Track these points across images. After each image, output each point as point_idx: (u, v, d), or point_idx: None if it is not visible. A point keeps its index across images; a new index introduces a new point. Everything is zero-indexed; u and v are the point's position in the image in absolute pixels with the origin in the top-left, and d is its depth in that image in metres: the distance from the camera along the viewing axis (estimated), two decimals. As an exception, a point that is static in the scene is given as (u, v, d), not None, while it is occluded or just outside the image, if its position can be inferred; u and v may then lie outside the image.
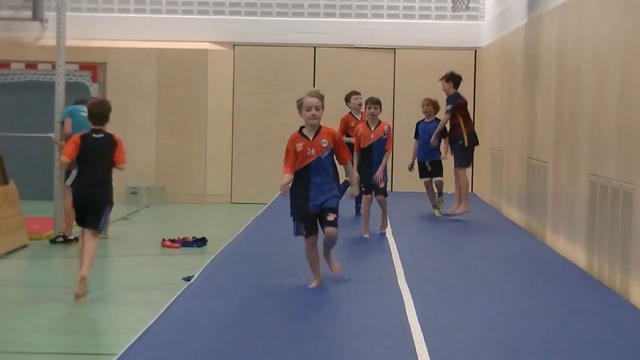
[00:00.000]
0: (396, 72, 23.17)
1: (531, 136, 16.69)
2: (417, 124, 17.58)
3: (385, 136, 14.43)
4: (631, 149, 10.59)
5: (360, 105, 16.64)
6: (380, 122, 14.58)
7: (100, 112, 11.69)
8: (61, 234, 15.65)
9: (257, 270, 11.71)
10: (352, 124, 16.39)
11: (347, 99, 17.07)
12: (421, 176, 17.45)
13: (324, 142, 10.17)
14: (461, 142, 16.92)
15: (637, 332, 8.77)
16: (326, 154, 10.23)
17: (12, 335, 9.71)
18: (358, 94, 16.97)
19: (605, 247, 11.52)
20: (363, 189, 14.25)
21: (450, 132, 17.11)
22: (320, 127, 10.28)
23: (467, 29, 23.31)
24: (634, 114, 10.53)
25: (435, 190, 17.46)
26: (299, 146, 10.17)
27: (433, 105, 17.40)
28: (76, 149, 11.39)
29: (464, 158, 17.12)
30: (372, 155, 14.40)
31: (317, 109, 10.16)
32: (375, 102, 14.55)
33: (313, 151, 10.15)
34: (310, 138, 10.20)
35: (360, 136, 14.43)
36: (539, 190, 15.80)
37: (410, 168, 17.29)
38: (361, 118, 16.32)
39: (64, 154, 11.64)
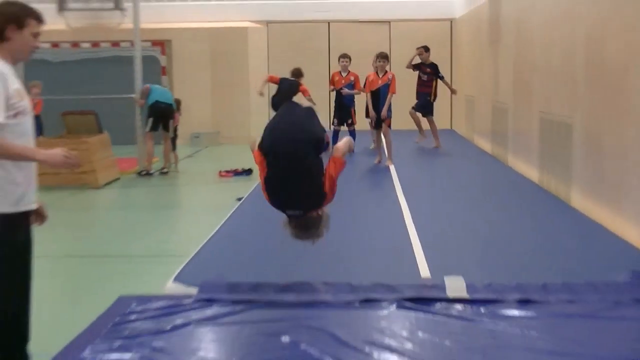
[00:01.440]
0: (391, 40, 23.10)
1: (496, 85, 16.69)
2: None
3: (390, 82, 14.44)
4: (571, 92, 10.64)
5: (345, 66, 16.45)
6: (386, 71, 14.58)
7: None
8: (144, 170, 15.81)
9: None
10: (337, 78, 16.50)
11: (338, 60, 17.00)
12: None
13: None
14: (429, 98, 17.47)
15: (576, 226, 8.87)
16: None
17: (107, 244, 9.87)
18: (344, 57, 16.61)
19: (552, 166, 11.60)
20: (373, 124, 14.51)
21: (423, 88, 17.32)
22: None
23: (444, 3, 23.20)
24: (572, 67, 10.58)
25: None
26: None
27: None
28: None
29: (431, 109, 17.61)
30: (379, 97, 14.41)
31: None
32: (383, 57, 14.53)
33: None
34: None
35: (371, 82, 14.48)
36: (502, 126, 15.84)
37: None
38: (347, 74, 16.33)
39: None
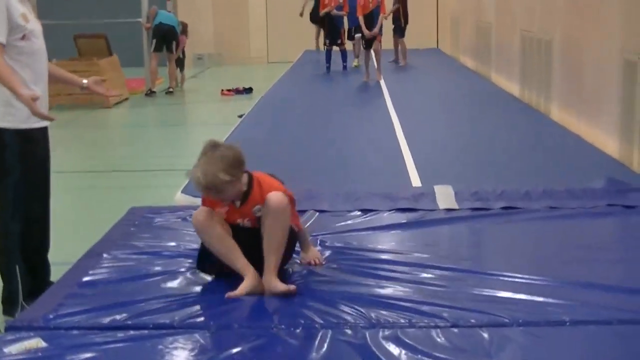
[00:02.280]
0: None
1: (479, 5, 16.46)
2: None
3: (380, 3, 14.41)
4: (551, 7, 10.48)
5: None
6: None
7: None
8: (148, 89, 15.65)
9: (290, 105, 11.77)
10: (326, 1, 16.31)
11: None
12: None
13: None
14: (399, 22, 17.69)
15: (555, 137, 8.83)
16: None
17: (118, 159, 9.83)
18: None
19: (533, 81, 11.50)
20: (364, 45, 14.46)
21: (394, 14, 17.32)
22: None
23: None
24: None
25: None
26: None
27: None
28: None
29: (401, 31, 17.78)
30: (372, 19, 14.35)
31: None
32: None
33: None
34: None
35: (362, 6, 14.34)
36: (485, 44, 15.67)
37: None
38: None
39: None
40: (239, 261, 4.22)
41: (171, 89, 15.82)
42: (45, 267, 4.94)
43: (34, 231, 4.83)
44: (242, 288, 4.14)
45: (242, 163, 4.21)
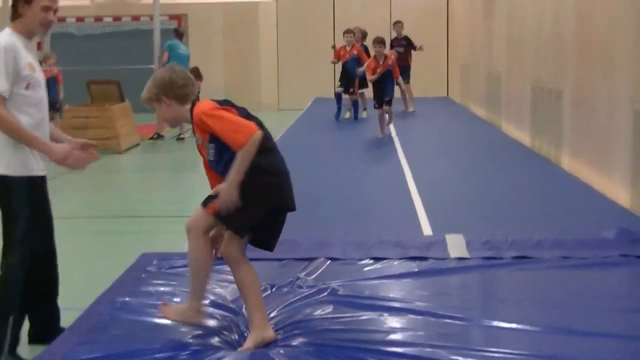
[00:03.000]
0: (392, 13, 22.89)
1: (489, 54, 16.57)
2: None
3: (392, 67, 13.63)
4: (561, 61, 10.55)
5: (350, 41, 16.18)
6: (386, 56, 13.73)
7: None
8: (156, 133, 15.70)
9: (300, 152, 11.82)
10: (342, 52, 16.33)
11: (342, 35, 16.70)
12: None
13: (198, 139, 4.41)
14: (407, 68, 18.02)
15: (566, 186, 8.83)
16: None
17: (130, 205, 9.85)
18: (349, 32, 16.37)
19: (543, 131, 11.53)
20: (376, 105, 13.81)
21: (400, 60, 16.90)
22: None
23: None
24: (562, 37, 10.48)
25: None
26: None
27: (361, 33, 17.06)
28: None
29: (408, 77, 17.94)
30: (383, 82, 13.58)
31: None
32: (379, 42, 13.62)
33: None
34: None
35: (373, 69, 13.52)
36: (496, 93, 15.75)
37: None
38: (351, 48, 16.09)
39: None
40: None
41: (182, 136, 15.87)
42: (55, 312, 4.90)
43: (43, 276, 4.82)
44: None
45: (167, 86, 4.32)
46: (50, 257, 4.90)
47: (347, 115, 16.87)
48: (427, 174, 9.81)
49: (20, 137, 4.50)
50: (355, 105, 16.58)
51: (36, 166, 4.65)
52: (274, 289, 5.14)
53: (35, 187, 4.71)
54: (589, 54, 9.39)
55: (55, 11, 4.76)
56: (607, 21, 8.73)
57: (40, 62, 16.69)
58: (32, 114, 4.62)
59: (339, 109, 16.60)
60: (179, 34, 16.45)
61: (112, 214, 9.18)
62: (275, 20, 23.07)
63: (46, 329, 4.80)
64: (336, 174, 10.00)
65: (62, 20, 21.60)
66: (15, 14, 4.67)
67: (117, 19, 21.89)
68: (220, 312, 4.72)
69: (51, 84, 16.64)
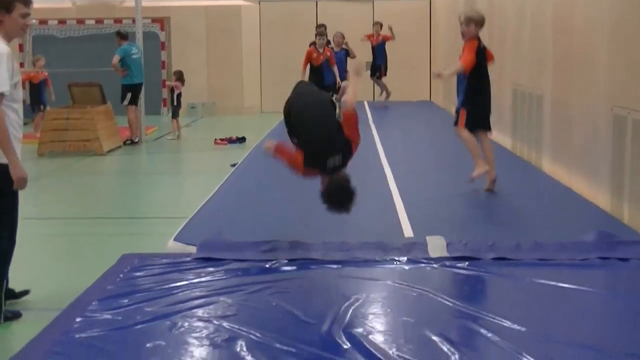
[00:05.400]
0: (374, 19, 22.92)
1: (471, 59, 16.61)
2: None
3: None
4: (541, 63, 10.59)
5: (321, 43, 15.60)
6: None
7: None
8: (129, 139, 15.56)
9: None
10: (314, 55, 15.56)
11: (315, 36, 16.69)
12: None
13: None
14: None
15: (546, 189, 8.86)
16: None
17: (111, 206, 9.81)
18: (321, 35, 15.81)
19: (524, 135, 11.57)
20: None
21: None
22: None
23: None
24: (541, 42, 10.53)
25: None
26: None
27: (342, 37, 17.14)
28: None
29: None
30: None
31: None
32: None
33: None
34: None
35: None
36: (477, 97, 15.78)
37: None
38: (323, 51, 15.91)
39: None
40: None
41: (136, 139, 15.59)
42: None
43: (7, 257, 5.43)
44: None
45: None
46: (15, 231, 5.48)
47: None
48: (408, 177, 9.81)
49: (5, 142, 5.11)
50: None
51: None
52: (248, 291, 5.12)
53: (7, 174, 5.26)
54: (569, 59, 9.43)
55: (30, 15, 5.40)
56: (586, 26, 8.78)
57: (33, 64, 16.60)
58: (17, 109, 5.28)
59: None
60: (124, 36, 15.86)
61: (93, 215, 9.15)
62: (258, 24, 23.06)
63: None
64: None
65: (44, 22, 21.52)
66: None
67: (99, 21, 21.77)
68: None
69: (42, 86, 16.60)
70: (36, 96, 16.63)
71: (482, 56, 8.64)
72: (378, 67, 19.06)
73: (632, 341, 4.24)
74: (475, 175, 8.58)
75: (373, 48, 18.97)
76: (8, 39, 5.32)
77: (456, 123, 8.74)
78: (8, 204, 5.30)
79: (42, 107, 16.16)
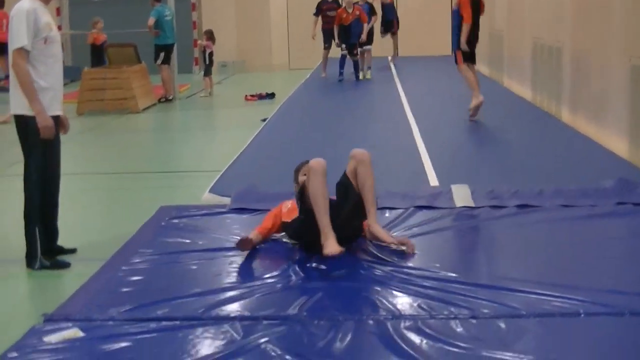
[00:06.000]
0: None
1: (491, 13, 16.41)
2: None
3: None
4: (560, 16, 10.45)
5: (349, 2, 15.74)
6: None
7: None
8: (163, 97, 15.57)
9: (310, 110, 11.78)
10: (344, 15, 15.68)
11: None
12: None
13: None
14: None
15: (566, 138, 8.80)
16: None
17: (148, 161, 9.86)
18: None
19: (544, 86, 11.47)
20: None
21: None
22: None
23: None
24: (563, -7, 10.39)
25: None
26: None
27: None
28: None
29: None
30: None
31: None
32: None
33: None
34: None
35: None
36: (498, 50, 15.63)
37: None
38: (353, 10, 15.73)
39: None
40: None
41: (170, 96, 15.60)
42: (55, 231, 5.58)
43: (50, 201, 5.52)
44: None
45: None
46: (56, 192, 5.58)
47: (368, 75, 16.52)
48: (433, 128, 9.78)
49: (29, 93, 5.21)
50: (356, 65, 16.31)
51: (50, 107, 5.32)
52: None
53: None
54: (587, 11, 9.30)
55: None
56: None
57: (93, 26, 16.34)
58: (49, 64, 5.36)
59: (342, 72, 16.13)
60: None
61: (132, 170, 9.19)
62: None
63: (49, 244, 5.49)
64: (343, 130, 9.97)
65: (80, -14, 21.53)
66: None
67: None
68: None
69: (103, 48, 16.45)
70: (98, 58, 16.56)
71: (476, 8, 10.13)
72: (390, 22, 18.45)
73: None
74: (472, 105, 10.15)
75: (383, 5, 18.48)
76: (45, 0, 5.43)
77: (456, 61, 10.26)
78: (44, 156, 5.37)
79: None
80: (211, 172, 7.89)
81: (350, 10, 15.75)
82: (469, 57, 10.28)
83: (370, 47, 16.38)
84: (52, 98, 5.35)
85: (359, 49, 16.01)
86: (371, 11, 16.44)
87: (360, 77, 16.28)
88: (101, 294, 4.25)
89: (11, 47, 5.25)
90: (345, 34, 15.78)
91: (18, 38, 5.22)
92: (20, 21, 5.22)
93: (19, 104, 5.31)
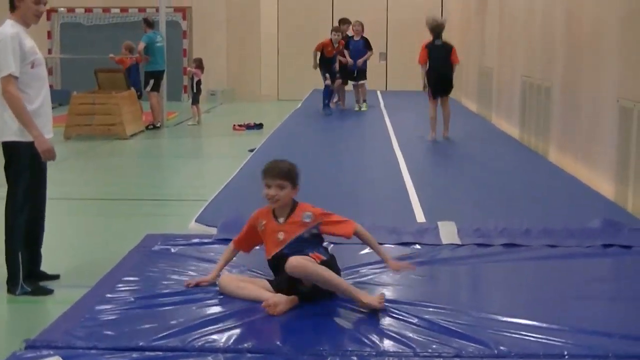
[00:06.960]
0: (388, 10, 22.82)
1: (481, 51, 16.56)
2: None
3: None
4: (550, 57, 10.55)
5: (336, 39, 15.67)
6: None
7: None
8: (151, 124, 15.55)
9: (298, 141, 11.81)
10: (329, 48, 15.69)
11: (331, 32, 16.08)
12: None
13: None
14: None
15: (553, 178, 8.84)
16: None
17: (134, 188, 9.85)
18: (337, 31, 15.94)
19: (532, 124, 11.55)
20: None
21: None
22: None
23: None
24: (551, 35, 10.48)
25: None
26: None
27: (361, 26, 16.40)
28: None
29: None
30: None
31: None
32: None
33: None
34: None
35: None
36: (487, 87, 15.74)
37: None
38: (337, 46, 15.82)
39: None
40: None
41: (158, 124, 15.58)
42: (39, 256, 5.65)
43: (35, 226, 5.57)
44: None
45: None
46: (42, 217, 5.66)
47: (364, 107, 16.54)
48: (421, 164, 9.82)
49: (24, 119, 5.26)
50: (332, 94, 16.27)
51: (43, 130, 5.36)
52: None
53: (37, 153, 5.39)
54: (578, 51, 9.39)
55: (45, 3, 5.52)
56: (595, 18, 8.73)
57: (130, 51, 16.22)
58: (37, 87, 5.40)
59: (328, 104, 15.95)
60: (150, 24, 15.74)
61: (117, 196, 9.18)
62: (276, 13, 23.04)
63: (32, 270, 5.55)
64: (331, 161, 10.01)
65: (71, 10, 21.65)
66: (12, 6, 5.42)
67: (124, 9, 21.78)
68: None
69: (132, 71, 16.27)
70: (132, 79, 16.10)
71: (436, 55, 11.73)
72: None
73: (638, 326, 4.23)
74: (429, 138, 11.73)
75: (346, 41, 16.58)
76: (25, 24, 5.44)
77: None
78: (32, 181, 5.42)
79: (135, 90, 15.47)
80: (198, 201, 7.88)
81: (335, 45, 15.87)
82: (437, 94, 11.83)
83: (365, 82, 16.47)
84: (43, 121, 5.40)
85: (354, 83, 16.39)
86: (366, 45, 16.40)
87: (356, 108, 16.51)
88: (84, 322, 4.22)
89: None
90: (326, 65, 15.87)
91: (6, 64, 5.22)
92: (6, 47, 5.23)
93: (6, 131, 5.34)
